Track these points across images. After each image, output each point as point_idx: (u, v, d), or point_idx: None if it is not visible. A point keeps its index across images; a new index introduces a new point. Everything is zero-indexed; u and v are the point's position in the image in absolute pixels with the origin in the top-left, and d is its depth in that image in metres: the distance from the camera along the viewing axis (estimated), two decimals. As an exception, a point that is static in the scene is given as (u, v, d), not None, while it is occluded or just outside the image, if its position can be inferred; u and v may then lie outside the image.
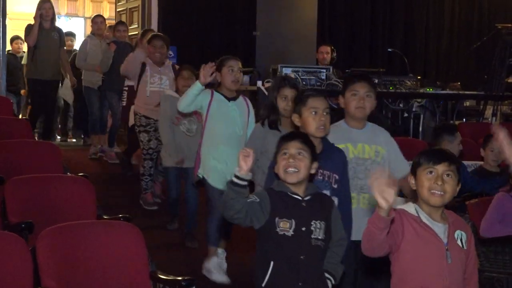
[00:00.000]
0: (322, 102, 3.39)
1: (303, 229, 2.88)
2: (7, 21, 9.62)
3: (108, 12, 13.36)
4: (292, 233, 2.86)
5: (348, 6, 11.47)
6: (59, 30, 8.08)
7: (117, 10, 11.01)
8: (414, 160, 2.79)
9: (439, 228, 2.72)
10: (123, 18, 10.57)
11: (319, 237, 2.91)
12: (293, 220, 2.88)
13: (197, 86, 4.53)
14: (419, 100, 7.98)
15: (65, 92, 9.07)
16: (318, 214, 2.94)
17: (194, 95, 4.54)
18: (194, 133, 5.53)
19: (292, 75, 7.10)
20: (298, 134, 3.07)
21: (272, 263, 2.88)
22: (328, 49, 8.58)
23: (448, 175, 2.69)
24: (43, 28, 7.73)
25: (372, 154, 3.68)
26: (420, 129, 7.86)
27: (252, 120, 4.78)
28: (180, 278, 3.33)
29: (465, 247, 2.76)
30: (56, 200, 4.22)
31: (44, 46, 7.77)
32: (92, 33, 8.44)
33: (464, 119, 8.62)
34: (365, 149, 3.67)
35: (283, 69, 7.31)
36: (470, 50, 10.66)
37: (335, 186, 3.37)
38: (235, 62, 4.66)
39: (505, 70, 8.69)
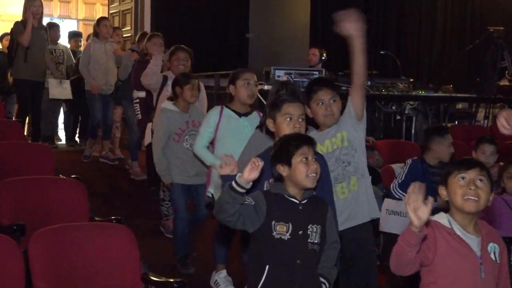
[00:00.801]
0: (298, 108, 3.28)
1: (300, 232, 2.83)
2: (-1, 22, 9.68)
3: (101, 14, 13.35)
4: (289, 236, 2.81)
5: (341, 8, 11.34)
6: (45, 28, 7.98)
7: (110, 12, 11.03)
8: (443, 172, 2.75)
9: (473, 241, 2.63)
10: (116, 20, 10.59)
11: (315, 241, 2.86)
12: (290, 224, 2.82)
13: (213, 164, 4.40)
14: (411, 102, 7.99)
15: (65, 92, 8.74)
16: (314, 218, 2.89)
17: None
18: None
19: (285, 78, 7.12)
20: (310, 139, 2.98)
21: (267, 267, 2.83)
22: (316, 51, 8.68)
23: (481, 180, 2.63)
24: (33, 26, 7.56)
25: (338, 142, 3.70)
26: (413, 131, 7.87)
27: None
28: (172, 280, 3.33)
29: (498, 261, 2.67)
30: (48, 202, 4.21)
31: (36, 45, 7.65)
32: (95, 35, 8.08)
33: (456, 122, 8.63)
34: (333, 142, 3.70)
35: (276, 71, 7.31)
36: (463, 53, 10.71)
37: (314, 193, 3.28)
38: (251, 75, 4.43)
39: (497, 73, 8.74)
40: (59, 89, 8.66)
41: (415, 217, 2.40)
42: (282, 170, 2.89)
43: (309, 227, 2.85)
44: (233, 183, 2.67)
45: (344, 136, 3.69)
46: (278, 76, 7.25)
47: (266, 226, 2.82)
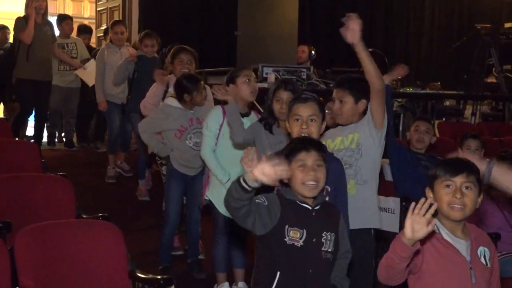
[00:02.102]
0: (308, 108, 3.18)
1: (314, 240, 2.68)
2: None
3: (88, 11, 13.33)
4: (302, 244, 2.66)
5: (328, 6, 11.49)
6: (50, 24, 7.45)
7: (98, 9, 10.98)
8: (430, 172, 2.65)
9: (462, 245, 2.55)
10: (104, 18, 10.55)
11: (329, 250, 2.72)
12: (304, 230, 2.67)
13: (223, 178, 4.26)
14: (399, 99, 8.01)
15: (89, 76, 7.82)
16: (328, 225, 2.74)
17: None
18: None
19: (273, 76, 7.10)
20: (314, 143, 2.82)
21: (278, 273, 2.68)
22: (305, 48, 8.70)
23: (467, 187, 2.53)
24: (36, 23, 7.01)
25: (347, 143, 3.67)
26: (400, 128, 7.88)
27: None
28: (159, 277, 3.33)
29: (489, 265, 2.58)
30: (35, 200, 4.17)
31: (39, 43, 7.12)
32: (110, 41, 7.33)
33: (444, 119, 8.66)
34: (342, 142, 3.69)
35: (264, 68, 7.29)
36: (450, 50, 10.74)
37: (327, 198, 3.11)
38: (250, 72, 4.32)
39: (484, 70, 8.77)
40: (90, 74, 7.76)
41: (409, 228, 2.31)
42: None
43: (323, 235, 2.72)
44: (241, 180, 2.48)
45: (354, 138, 3.66)
46: (266, 74, 7.23)
47: (279, 230, 2.66)
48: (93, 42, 9.94)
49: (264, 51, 9.03)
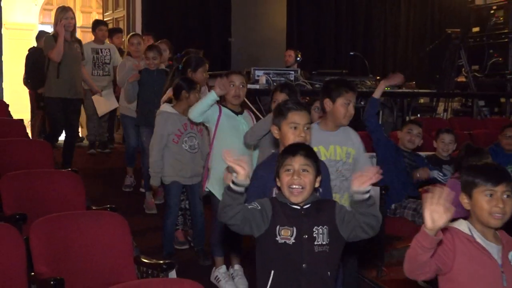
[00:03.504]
0: (304, 117, 2.98)
1: (305, 236, 2.55)
2: (3, 30, 9.47)
3: (96, 21, 13.24)
4: (294, 241, 2.53)
5: (314, 14, 11.48)
6: (79, 41, 6.72)
7: (105, 19, 10.89)
8: (467, 179, 2.44)
9: (493, 249, 2.39)
10: (110, 27, 10.47)
11: (324, 243, 2.56)
12: (294, 228, 2.55)
13: (212, 95, 4.09)
14: (382, 97, 8.00)
15: (110, 103, 7.34)
16: (320, 220, 2.58)
17: (208, 105, 4.12)
18: (197, 149, 4.75)
19: (264, 78, 7.09)
20: (301, 148, 2.66)
21: (272, 272, 2.58)
22: (292, 52, 8.66)
23: (507, 195, 2.35)
24: (65, 40, 6.25)
25: (343, 155, 3.49)
26: (380, 123, 7.88)
27: None
28: (161, 261, 3.30)
29: None
30: (48, 193, 4.15)
31: (68, 60, 6.35)
32: (129, 54, 6.73)
33: (418, 115, 8.66)
34: (336, 151, 3.49)
35: (256, 71, 7.29)
36: (424, 53, 10.74)
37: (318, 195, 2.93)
38: (237, 77, 4.20)
39: (454, 71, 8.78)
40: (104, 102, 7.31)
41: (429, 218, 2.16)
42: (277, 180, 2.68)
43: (314, 230, 2.56)
44: (231, 184, 2.44)
45: (350, 153, 3.52)
46: (258, 76, 7.23)
47: (271, 231, 2.56)
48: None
49: (255, 55, 9.05)
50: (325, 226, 2.58)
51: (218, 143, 4.24)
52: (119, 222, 3.50)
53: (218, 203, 4.12)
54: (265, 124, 3.83)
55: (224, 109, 4.24)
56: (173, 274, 3.24)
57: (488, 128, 7.63)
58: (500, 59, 9.43)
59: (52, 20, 6.57)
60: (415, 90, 8.72)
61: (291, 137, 2.94)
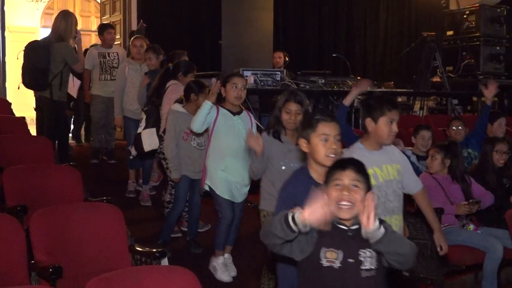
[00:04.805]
0: (334, 128, 2.66)
1: (351, 261, 2.22)
2: (7, 33, 9.39)
3: (95, 25, 13.18)
4: (340, 265, 2.21)
5: (299, 18, 11.51)
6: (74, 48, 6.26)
7: (102, 23, 10.85)
8: None
9: None
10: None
11: (372, 267, 2.22)
12: (340, 251, 2.22)
13: (207, 104, 4.06)
14: (359, 96, 7.98)
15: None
16: (367, 242, 2.19)
17: (206, 114, 4.08)
18: (204, 146, 4.67)
19: (252, 78, 7.07)
20: (351, 162, 2.32)
21: None
22: (281, 54, 8.61)
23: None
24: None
25: (395, 173, 3.11)
26: (360, 121, 7.88)
27: (255, 132, 4.09)
28: (154, 250, 3.30)
29: None
30: (48, 186, 4.13)
31: None
32: (132, 57, 6.44)
33: (396, 112, 8.67)
34: (389, 170, 3.10)
35: (244, 72, 7.27)
36: (401, 54, 10.76)
37: None
38: (238, 80, 4.16)
39: (430, 71, 8.80)
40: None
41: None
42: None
43: (360, 253, 2.22)
44: (290, 219, 2.09)
45: (399, 169, 3.14)
46: (246, 76, 7.20)
47: (315, 253, 2.24)
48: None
49: (244, 57, 9.00)
50: (372, 249, 2.24)
51: (214, 142, 4.22)
52: (114, 213, 3.49)
53: (220, 200, 4.19)
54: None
55: (221, 110, 4.19)
56: (165, 261, 3.24)
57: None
58: (472, 60, 9.46)
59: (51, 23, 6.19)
60: (393, 90, 8.73)
61: (322, 150, 2.64)
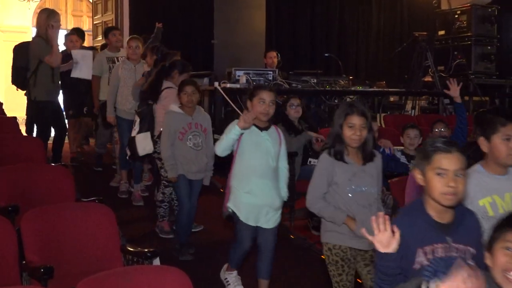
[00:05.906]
0: (455, 161, 2.16)
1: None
2: (-1, 33, 9.35)
3: (87, 25, 13.14)
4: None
5: (291, 18, 11.51)
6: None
7: (94, 23, 10.85)
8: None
9: None
10: (99, 30, 10.41)
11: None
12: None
13: (236, 131, 3.65)
14: (351, 96, 8.02)
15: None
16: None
17: (233, 140, 3.70)
18: (201, 146, 4.66)
19: (244, 78, 7.06)
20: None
21: None
22: (274, 54, 8.58)
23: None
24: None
25: (510, 203, 2.62)
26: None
27: (284, 150, 3.88)
28: (146, 250, 3.30)
29: None
30: (39, 186, 4.11)
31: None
32: (127, 57, 6.18)
33: (388, 112, 8.71)
34: (508, 202, 2.63)
35: (236, 71, 7.27)
36: (393, 54, 10.78)
37: (470, 262, 1.95)
38: (267, 94, 3.74)
39: (421, 71, 8.82)
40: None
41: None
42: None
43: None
44: None
45: None
46: (238, 76, 7.20)
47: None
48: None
49: (236, 56, 9.01)
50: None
51: (239, 160, 3.81)
52: (106, 213, 3.49)
53: (241, 223, 3.78)
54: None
55: None
56: (157, 261, 3.24)
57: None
58: (464, 60, 9.48)
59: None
60: (385, 89, 8.77)
61: (438, 187, 2.18)
